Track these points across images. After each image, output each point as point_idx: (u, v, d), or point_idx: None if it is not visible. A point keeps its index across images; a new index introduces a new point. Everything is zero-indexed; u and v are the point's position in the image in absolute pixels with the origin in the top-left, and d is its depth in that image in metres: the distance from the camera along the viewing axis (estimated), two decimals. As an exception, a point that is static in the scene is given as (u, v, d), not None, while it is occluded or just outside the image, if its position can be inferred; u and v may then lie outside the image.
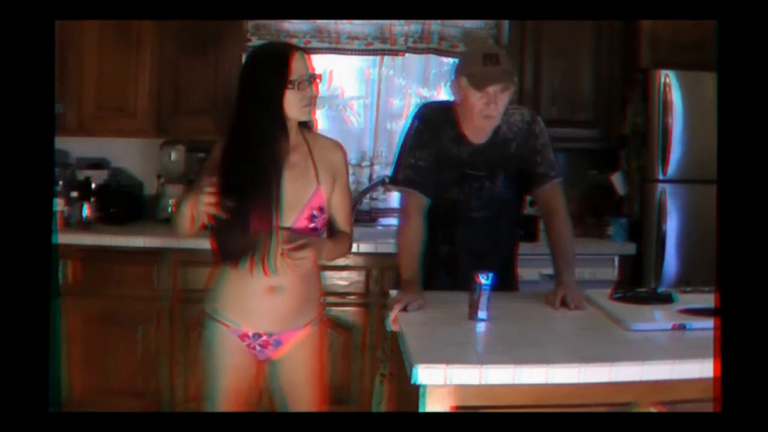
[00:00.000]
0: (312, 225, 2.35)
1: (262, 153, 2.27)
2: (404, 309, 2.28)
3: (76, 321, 3.66)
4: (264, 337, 2.36)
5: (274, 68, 2.27)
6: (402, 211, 2.63)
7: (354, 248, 3.58)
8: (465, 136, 2.61)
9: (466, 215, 2.65)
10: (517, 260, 2.86)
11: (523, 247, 3.71)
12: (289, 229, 2.31)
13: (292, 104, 2.28)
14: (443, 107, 2.70)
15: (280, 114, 2.28)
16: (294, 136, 2.36)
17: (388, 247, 3.47)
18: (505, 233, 2.75)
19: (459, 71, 2.54)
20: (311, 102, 2.32)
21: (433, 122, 2.63)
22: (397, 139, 4.21)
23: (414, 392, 1.82)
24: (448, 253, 2.67)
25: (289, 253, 2.25)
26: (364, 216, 4.22)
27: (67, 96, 3.84)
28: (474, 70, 2.47)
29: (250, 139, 2.27)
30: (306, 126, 2.41)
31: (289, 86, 2.25)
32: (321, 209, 2.36)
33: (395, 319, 2.23)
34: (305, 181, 2.35)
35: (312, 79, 2.30)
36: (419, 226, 2.56)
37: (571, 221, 2.64)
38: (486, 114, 2.50)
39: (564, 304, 2.37)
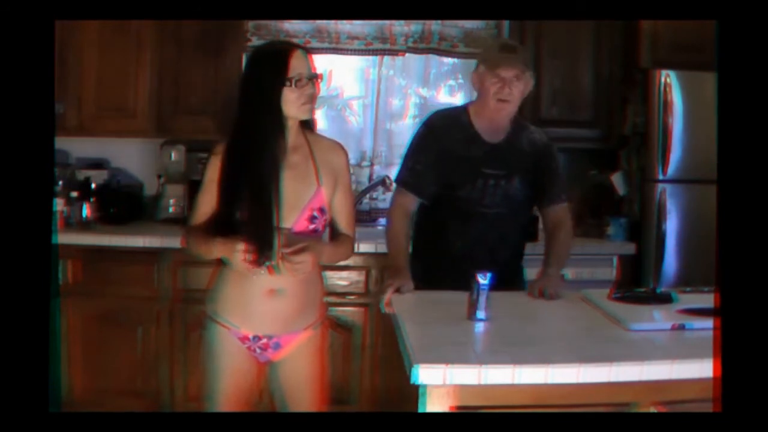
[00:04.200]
0: (312, 226, 2.34)
1: (261, 151, 2.27)
2: (397, 290, 2.43)
3: (76, 321, 3.66)
4: (264, 340, 2.36)
5: (273, 66, 2.26)
6: (391, 207, 2.82)
7: (354, 248, 3.60)
8: (480, 135, 2.73)
9: (479, 211, 2.74)
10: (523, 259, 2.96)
11: (523, 247, 3.75)
12: (288, 230, 2.31)
13: (290, 102, 2.28)
14: (453, 113, 2.84)
15: (278, 112, 2.28)
16: (295, 136, 2.36)
17: (388, 247, 3.47)
18: (516, 232, 2.84)
19: (479, 60, 2.74)
20: (311, 101, 2.31)
21: (439, 128, 2.76)
22: (396, 139, 4.27)
23: (414, 392, 1.82)
24: (461, 248, 2.74)
25: (287, 257, 2.25)
26: (364, 216, 4.21)
27: (67, 96, 3.84)
28: (490, 56, 2.69)
29: (249, 137, 2.27)
30: (307, 126, 2.41)
31: (288, 84, 2.25)
32: (321, 210, 2.36)
33: (389, 302, 2.34)
34: (306, 181, 2.35)
35: (313, 78, 2.30)
36: (404, 221, 2.75)
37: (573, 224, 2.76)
38: (499, 97, 2.65)
39: (542, 294, 2.48)
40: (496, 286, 2.22)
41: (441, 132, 2.74)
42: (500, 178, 2.73)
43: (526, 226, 2.95)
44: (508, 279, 2.60)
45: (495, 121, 2.72)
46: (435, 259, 2.75)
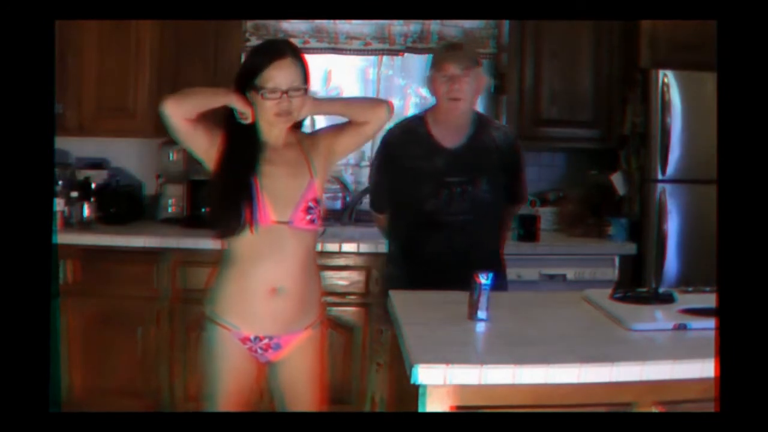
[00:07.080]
0: (309, 217, 2.35)
1: (236, 151, 2.31)
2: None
3: (76, 321, 3.66)
4: (264, 341, 2.36)
5: (246, 69, 2.31)
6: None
7: (354, 248, 3.61)
8: (439, 143, 2.74)
9: (447, 220, 2.74)
10: (503, 257, 2.94)
11: (523, 247, 3.75)
12: (288, 223, 2.32)
13: (264, 110, 2.30)
14: (410, 125, 2.84)
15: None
16: (287, 134, 2.38)
17: (388, 247, 3.47)
18: (489, 232, 2.84)
19: (429, 66, 2.77)
20: (286, 113, 2.29)
21: (396, 145, 2.79)
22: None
23: (413, 391, 1.82)
24: (432, 253, 2.74)
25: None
26: (364, 216, 4.21)
27: (67, 96, 3.84)
28: (437, 57, 2.72)
29: (230, 135, 2.33)
30: (302, 126, 2.44)
31: (263, 94, 2.26)
32: (316, 201, 2.37)
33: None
34: (300, 176, 2.37)
35: (289, 91, 2.27)
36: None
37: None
38: (450, 95, 2.66)
39: None
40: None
41: (398, 149, 2.76)
42: (465, 184, 2.73)
43: (498, 225, 2.93)
44: None
45: (452, 123, 2.74)
46: (409, 263, 2.77)
